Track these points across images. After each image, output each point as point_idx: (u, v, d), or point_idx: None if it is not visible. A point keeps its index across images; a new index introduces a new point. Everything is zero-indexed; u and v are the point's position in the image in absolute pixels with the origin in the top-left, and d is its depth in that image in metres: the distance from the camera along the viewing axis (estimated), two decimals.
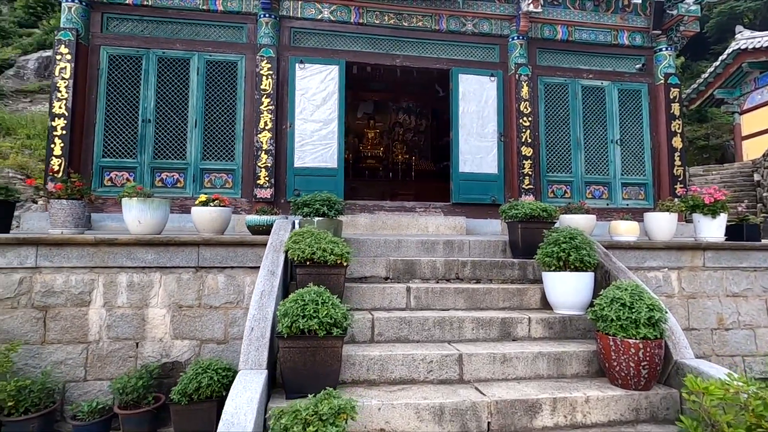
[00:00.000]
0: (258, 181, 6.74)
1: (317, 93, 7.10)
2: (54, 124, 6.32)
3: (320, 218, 4.45)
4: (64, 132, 6.31)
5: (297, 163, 6.98)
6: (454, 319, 3.83)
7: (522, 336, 3.87)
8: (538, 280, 4.67)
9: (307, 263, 3.68)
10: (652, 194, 7.93)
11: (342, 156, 7.09)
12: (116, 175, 6.68)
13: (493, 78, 7.58)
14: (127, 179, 6.70)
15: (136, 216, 4.54)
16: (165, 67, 6.88)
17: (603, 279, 4.27)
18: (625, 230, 5.40)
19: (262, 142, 6.80)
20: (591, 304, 3.68)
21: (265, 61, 6.89)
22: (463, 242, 5.09)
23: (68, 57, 6.40)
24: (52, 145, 6.30)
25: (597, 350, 3.45)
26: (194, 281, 4.52)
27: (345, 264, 3.77)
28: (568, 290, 4.01)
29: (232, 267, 4.56)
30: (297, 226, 4.72)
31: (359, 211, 7.14)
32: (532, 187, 7.37)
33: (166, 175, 6.80)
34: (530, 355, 3.46)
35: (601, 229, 6.38)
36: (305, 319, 2.82)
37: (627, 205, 7.79)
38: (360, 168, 11.87)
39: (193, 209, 4.81)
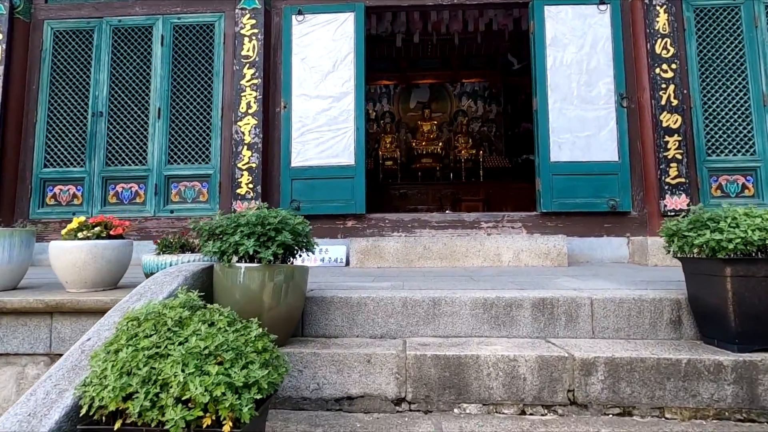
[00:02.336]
0: (237, 190, 4.46)
1: (324, 56, 4.67)
2: None
3: (250, 265, 1.98)
4: None
5: (295, 161, 4.60)
6: None
7: None
8: None
9: None
10: None
11: (362, 145, 4.56)
12: (61, 190, 4.81)
13: (603, 6, 4.56)
14: (75, 195, 4.83)
15: None
16: (121, 40, 4.94)
17: None
18: None
19: (243, 133, 4.52)
20: None
21: (248, 16, 4.64)
22: (576, 301, 2.27)
23: None
24: None
25: None
26: None
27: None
28: None
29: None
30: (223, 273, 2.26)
31: (390, 230, 4.54)
32: (683, 180, 4.20)
33: (122, 187, 4.81)
34: None
35: None
36: None
37: None
38: (412, 170, 9.25)
39: (51, 245, 2.60)
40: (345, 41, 4.61)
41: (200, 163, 4.70)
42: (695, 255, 2.06)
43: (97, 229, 2.56)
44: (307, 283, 2.26)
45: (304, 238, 2.11)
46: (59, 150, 4.76)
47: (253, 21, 4.55)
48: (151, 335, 1.32)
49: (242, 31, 4.55)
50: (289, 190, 4.48)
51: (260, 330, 1.47)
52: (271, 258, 1.88)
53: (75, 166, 4.77)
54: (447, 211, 8.06)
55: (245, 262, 1.96)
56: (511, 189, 8.26)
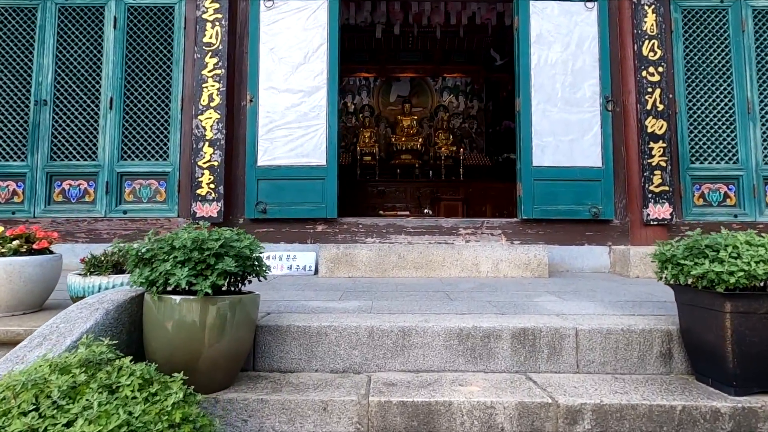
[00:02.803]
0: (198, 191, 4.09)
1: (294, 47, 4.31)
2: None
3: (186, 297, 1.67)
4: None
5: (262, 160, 4.25)
6: None
7: None
8: None
9: None
10: None
11: (335, 144, 4.24)
12: None
13: (590, 4, 4.35)
14: (15, 192, 4.36)
15: None
16: (69, 21, 4.45)
17: None
18: None
19: (204, 128, 4.14)
20: None
21: None
22: (560, 332, 2.04)
23: None
24: None
25: None
26: None
27: None
28: None
29: None
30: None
31: (363, 235, 4.26)
32: (667, 188, 4.05)
33: (69, 185, 4.37)
34: None
35: None
36: None
37: None
38: (391, 166, 8.97)
39: None
40: (317, 31, 4.27)
41: (157, 159, 4.30)
42: (690, 284, 1.86)
43: (15, 243, 2.20)
44: (259, 308, 1.97)
45: (254, 261, 1.81)
46: None
47: (217, 5, 4.15)
48: (28, 412, 1.01)
49: (204, 16, 4.15)
50: (255, 192, 4.14)
51: (182, 392, 1.18)
52: (209, 291, 1.58)
53: (15, 160, 4.30)
54: (426, 211, 7.84)
55: (181, 292, 1.66)
56: (491, 189, 8.09)
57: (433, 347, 1.99)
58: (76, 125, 4.31)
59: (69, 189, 4.29)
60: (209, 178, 4.05)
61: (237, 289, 1.86)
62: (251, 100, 4.22)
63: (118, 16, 4.37)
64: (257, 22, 4.27)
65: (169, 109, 4.32)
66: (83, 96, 4.33)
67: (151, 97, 4.33)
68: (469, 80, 9.50)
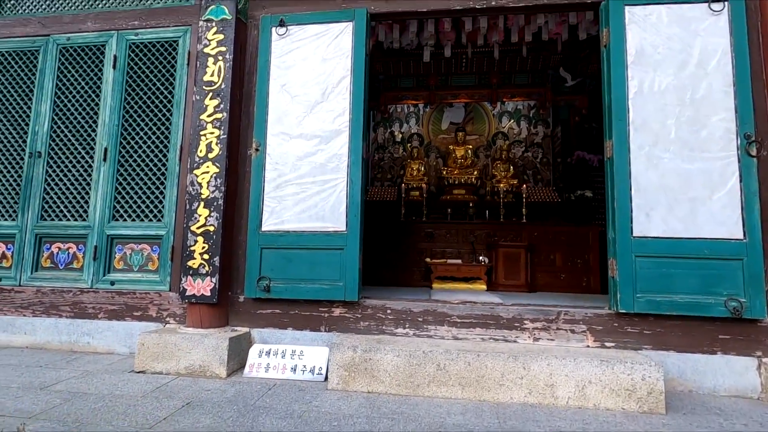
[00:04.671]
0: (189, 262, 3.28)
1: (311, 81, 3.44)
2: None
3: None
4: None
5: (267, 224, 3.37)
6: None
7: None
8: None
9: None
10: None
11: (358, 205, 3.26)
12: None
13: (717, 5, 3.05)
14: (4, 255, 3.86)
15: None
16: (69, 63, 3.94)
17: None
18: None
19: (200, 185, 3.35)
20: None
21: (214, 30, 3.49)
22: None
23: None
24: None
25: None
26: None
27: None
28: None
29: None
30: None
31: (393, 324, 3.19)
32: None
33: (59, 248, 3.78)
34: None
35: None
36: None
37: None
38: (442, 203, 7.87)
39: None
40: (339, 61, 3.36)
41: (151, 219, 3.58)
42: None
43: None
44: None
45: None
46: None
47: (221, 36, 3.40)
48: None
49: (206, 50, 3.41)
50: (258, 263, 3.25)
51: None
52: None
53: (5, 219, 3.79)
54: (482, 259, 6.64)
55: None
56: (562, 233, 6.70)
57: None
58: (68, 179, 3.74)
59: (58, 253, 3.69)
60: (203, 247, 3.23)
61: None
62: (257, 149, 3.38)
63: (119, 54, 3.78)
64: (267, 53, 3.46)
65: (167, 160, 3.61)
66: (78, 146, 3.76)
67: (148, 146, 3.66)
68: (533, 103, 8.21)
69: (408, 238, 7.16)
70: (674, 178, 2.91)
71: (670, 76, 2.98)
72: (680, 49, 3.00)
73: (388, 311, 3.18)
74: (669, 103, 2.97)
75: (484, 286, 6.16)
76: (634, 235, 2.90)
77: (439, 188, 8.29)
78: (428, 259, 6.75)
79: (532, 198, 7.58)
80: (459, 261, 6.65)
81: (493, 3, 3.33)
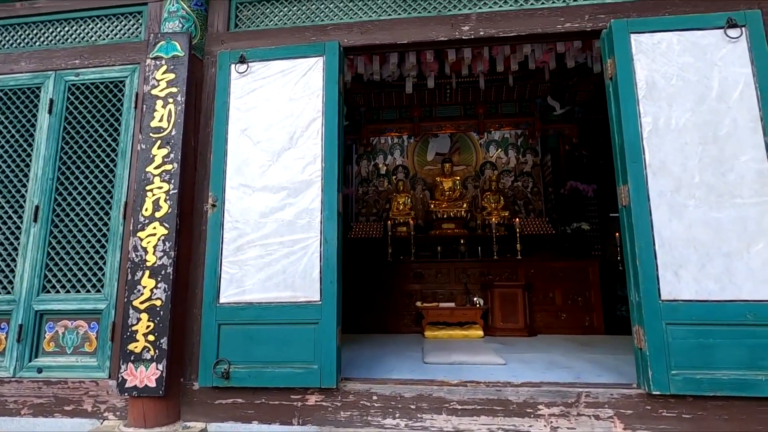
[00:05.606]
0: (130, 345, 2.68)
1: (276, 124, 2.97)
2: None
3: None
4: None
5: (226, 295, 2.81)
6: None
7: None
8: None
9: None
10: None
11: (335, 269, 2.72)
12: None
13: (734, 32, 2.70)
14: None
15: None
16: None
17: None
18: None
19: (144, 250, 2.80)
20: None
21: (164, 68, 3.01)
22: None
23: None
24: None
25: None
26: None
27: None
28: None
29: None
30: None
31: (380, 414, 2.62)
32: None
33: None
34: None
35: None
36: None
37: None
38: (431, 238, 7.38)
39: None
40: (309, 101, 2.90)
41: (89, 290, 3.00)
42: None
43: None
44: None
45: None
46: None
47: (171, 76, 2.92)
48: None
49: (154, 91, 2.92)
50: (215, 344, 2.68)
51: None
52: None
53: None
54: (476, 301, 6.12)
55: None
56: (560, 270, 6.25)
57: None
58: None
59: None
60: (148, 326, 2.65)
61: None
62: (214, 205, 2.86)
63: (56, 97, 3.27)
64: (225, 94, 2.99)
65: (109, 219, 3.06)
66: (4, 204, 3.18)
67: (88, 203, 3.11)
68: (522, 131, 7.90)
69: (396, 279, 6.62)
70: (703, 230, 2.46)
71: (687, 112, 2.59)
72: (697, 80, 2.61)
73: (374, 397, 2.61)
74: (689, 142, 2.56)
75: (481, 332, 5.63)
76: (662, 298, 2.43)
77: (427, 222, 7.83)
78: (419, 303, 6.21)
79: (526, 230, 7.15)
80: (452, 304, 6.12)
81: (482, 33, 2.94)
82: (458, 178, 8.04)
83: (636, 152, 2.59)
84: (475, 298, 6.17)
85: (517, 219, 6.84)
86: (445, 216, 7.67)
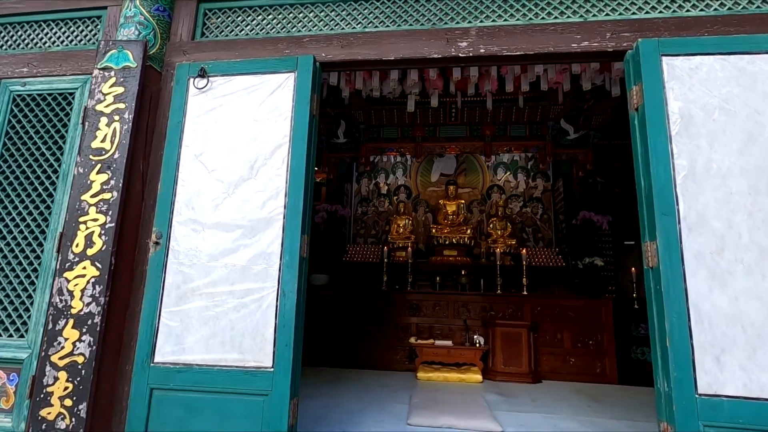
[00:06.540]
0: (43, 411, 2.22)
1: (235, 150, 2.52)
2: None
3: None
4: None
5: (163, 353, 2.34)
6: None
7: None
8: None
9: None
10: None
11: (292, 327, 2.23)
12: None
13: None
14: None
15: None
16: None
17: None
18: None
19: (70, 294, 2.35)
20: None
21: (112, 81, 2.60)
22: None
23: None
24: None
25: None
26: None
27: None
28: None
29: None
30: None
31: None
32: None
33: None
34: None
35: None
36: None
37: None
38: (430, 266, 6.86)
39: None
40: (276, 123, 2.45)
41: (11, 335, 2.55)
42: None
43: None
44: None
45: None
46: None
47: (120, 90, 2.50)
48: None
49: (99, 107, 2.51)
50: (144, 415, 2.19)
51: None
52: None
53: None
54: (476, 339, 5.58)
55: None
56: (570, 308, 5.67)
57: None
58: None
59: None
60: (66, 387, 2.18)
61: None
62: (157, 242, 2.40)
63: (0, 107, 2.87)
64: (181, 113, 2.55)
65: (42, 252, 2.62)
66: None
67: (20, 232, 2.68)
68: (531, 154, 7.38)
69: (390, 310, 6.09)
70: (754, 304, 1.92)
71: (733, 154, 2.07)
72: (746, 115, 2.10)
73: None
74: (736, 191, 2.03)
75: (480, 377, 5.06)
76: (699, 391, 1.88)
77: (428, 247, 7.31)
78: (413, 339, 5.67)
79: (534, 261, 6.59)
80: (449, 342, 5.57)
81: (482, 50, 2.47)
82: (463, 201, 7.53)
83: (667, 202, 2.07)
84: (475, 336, 5.61)
85: (525, 250, 6.27)
86: (447, 242, 7.15)
